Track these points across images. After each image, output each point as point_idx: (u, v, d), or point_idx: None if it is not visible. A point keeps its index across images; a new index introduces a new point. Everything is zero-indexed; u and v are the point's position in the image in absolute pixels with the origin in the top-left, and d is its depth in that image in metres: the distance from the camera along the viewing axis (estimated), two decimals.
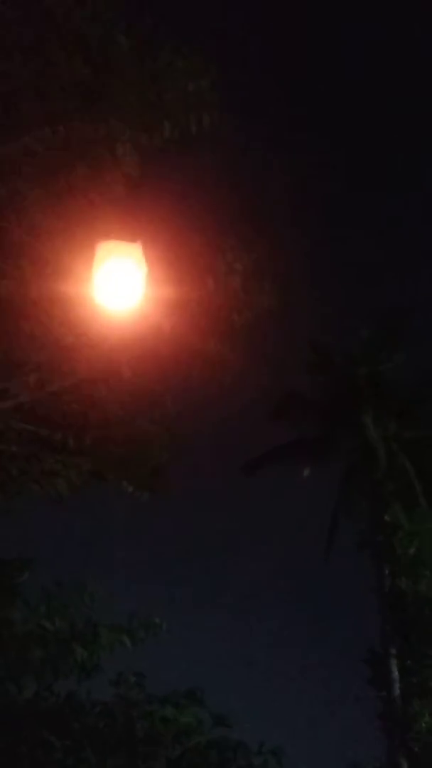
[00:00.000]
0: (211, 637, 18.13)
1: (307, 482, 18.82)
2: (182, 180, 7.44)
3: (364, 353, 19.21)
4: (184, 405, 8.11)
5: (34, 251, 6.87)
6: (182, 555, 19.74)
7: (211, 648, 18.13)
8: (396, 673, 17.03)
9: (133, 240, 5.82)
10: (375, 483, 18.20)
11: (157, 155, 7.27)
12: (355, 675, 17.32)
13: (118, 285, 5.90)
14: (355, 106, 25.01)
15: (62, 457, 7.79)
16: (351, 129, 25.27)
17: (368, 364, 19.08)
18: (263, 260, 7.55)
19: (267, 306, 7.63)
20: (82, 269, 6.15)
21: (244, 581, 19.66)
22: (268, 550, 19.17)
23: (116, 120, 6.94)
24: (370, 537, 18.06)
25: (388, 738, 16.84)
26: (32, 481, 7.86)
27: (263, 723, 14.39)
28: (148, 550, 17.80)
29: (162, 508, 8.96)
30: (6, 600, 11.10)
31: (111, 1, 6.91)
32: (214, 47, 7.46)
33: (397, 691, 16.94)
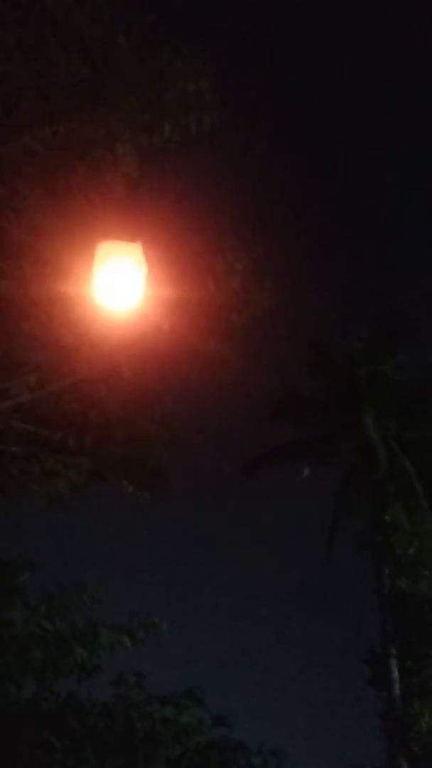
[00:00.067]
0: (211, 637, 18.15)
1: (308, 482, 18.83)
2: (182, 180, 7.44)
3: (365, 353, 19.21)
4: (184, 405, 8.12)
5: (34, 251, 6.87)
6: (182, 555, 19.75)
7: (211, 648, 18.15)
8: (396, 674, 17.03)
9: (133, 240, 5.82)
10: (375, 483, 18.20)
11: (157, 155, 7.27)
12: (355, 675, 17.33)
13: (118, 285, 5.90)
14: (355, 107, 25.02)
15: (62, 457, 7.78)
16: (352, 129, 25.27)
17: (369, 364, 19.08)
18: (263, 260, 7.55)
19: (267, 306, 7.63)
20: (82, 269, 6.15)
21: (244, 581, 19.68)
22: (268, 550, 19.17)
23: (116, 120, 6.94)
24: (371, 537, 18.06)
25: (388, 738, 16.84)
26: (32, 481, 7.86)
27: (263, 723, 14.40)
28: (148, 550, 17.81)
29: (162, 508, 8.96)
30: (6, 600, 11.10)
31: (111, 2, 6.91)
32: (213, 47, 7.46)
33: (397, 692, 16.94)
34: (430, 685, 16.83)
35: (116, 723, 11.88)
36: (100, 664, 11.44)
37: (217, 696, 12.84)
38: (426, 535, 17.30)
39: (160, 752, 11.95)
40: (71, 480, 7.84)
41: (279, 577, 19.39)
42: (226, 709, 12.67)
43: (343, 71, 24.47)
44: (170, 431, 8.14)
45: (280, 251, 7.76)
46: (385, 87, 25.12)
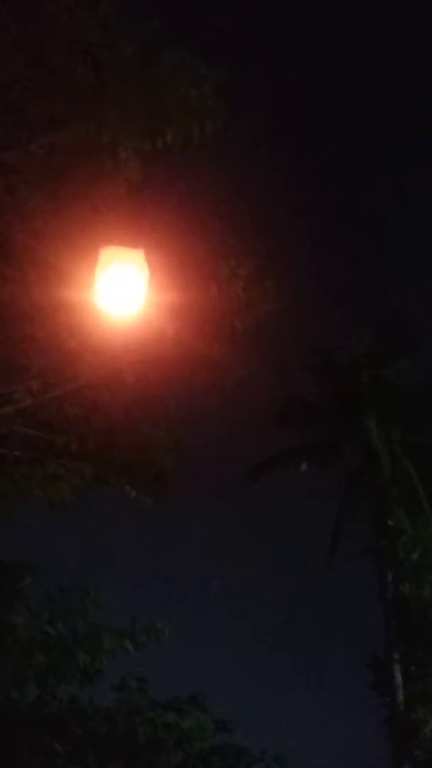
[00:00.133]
0: (213, 643, 18.12)
1: (311, 487, 18.80)
2: (184, 185, 7.44)
3: (368, 358, 19.20)
4: (187, 410, 8.11)
5: (37, 256, 6.88)
6: (185, 560, 19.73)
7: (214, 653, 18.11)
8: (399, 679, 16.96)
9: (135, 245, 5.83)
10: (379, 488, 18.17)
11: (160, 160, 7.28)
12: (359, 680, 17.28)
13: (121, 290, 5.91)
14: (358, 110, 25.04)
15: (65, 461, 7.78)
16: (355, 133, 25.30)
17: (371, 368, 19.07)
18: (266, 265, 7.56)
19: (270, 311, 7.63)
20: (85, 274, 6.15)
21: (247, 586, 19.64)
22: (272, 555, 19.15)
23: (119, 125, 6.95)
24: (374, 542, 18.02)
25: (392, 744, 16.77)
26: (35, 486, 7.85)
27: (266, 728, 14.37)
28: (150, 555, 17.79)
29: (165, 513, 8.95)
30: (8, 605, 11.10)
31: (113, 7, 6.93)
32: (216, 53, 7.47)
33: (400, 697, 16.87)
34: None
35: (118, 728, 11.87)
36: (102, 669, 11.43)
37: (219, 701, 12.83)
38: (429, 539, 17.26)
39: (163, 758, 11.93)
40: (74, 485, 7.83)
41: (282, 582, 19.38)
42: (228, 715, 12.66)
43: (343, 72, 24.52)
44: (173, 436, 8.13)
45: (283, 256, 7.77)
46: (386, 88, 25.16)
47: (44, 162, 6.94)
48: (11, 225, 6.92)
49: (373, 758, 16.43)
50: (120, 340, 6.96)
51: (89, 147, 6.91)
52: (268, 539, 19.33)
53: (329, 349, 19.46)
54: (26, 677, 11.16)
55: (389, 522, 17.79)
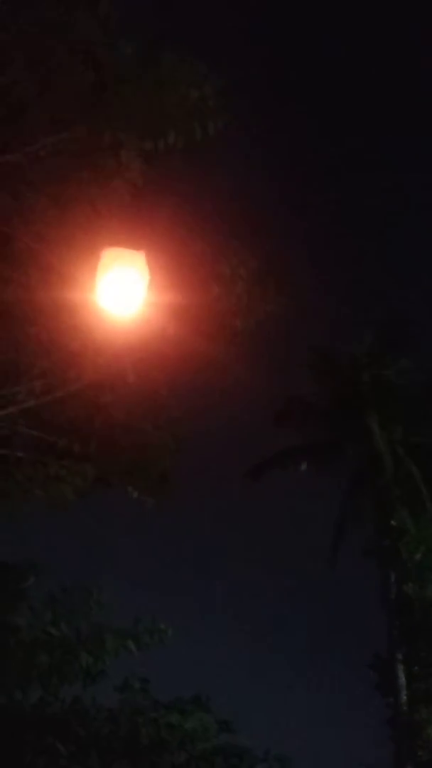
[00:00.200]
0: (216, 643, 18.11)
1: (311, 487, 18.80)
2: (186, 185, 7.46)
3: (369, 358, 19.19)
4: (189, 410, 8.12)
5: (40, 258, 6.89)
6: (188, 560, 19.73)
7: (217, 654, 18.11)
8: (403, 679, 16.95)
9: (137, 247, 5.84)
10: (381, 488, 18.16)
11: (162, 162, 7.29)
12: (362, 681, 17.27)
13: (123, 291, 5.92)
14: (357, 110, 25.05)
15: (67, 462, 7.79)
16: (355, 133, 25.31)
17: (372, 368, 19.06)
18: (267, 266, 7.56)
19: (271, 311, 7.64)
20: (87, 276, 6.17)
21: (249, 586, 19.65)
22: (274, 555, 19.14)
23: (120, 127, 6.96)
24: (377, 542, 18.01)
25: (395, 745, 16.76)
26: (37, 487, 7.86)
27: (269, 729, 14.36)
28: (152, 555, 17.80)
29: (167, 514, 8.96)
30: (11, 605, 11.10)
31: (113, 7, 6.94)
32: (216, 53, 7.49)
33: (403, 698, 16.86)
34: None
35: (121, 729, 11.86)
36: (105, 670, 11.42)
37: (222, 702, 12.82)
38: None
39: (166, 758, 11.92)
40: (76, 485, 7.84)
41: (285, 582, 19.37)
42: (231, 715, 12.65)
43: (343, 72, 24.55)
44: (175, 436, 8.14)
45: (284, 256, 7.79)
46: (385, 88, 25.18)
47: (46, 164, 6.96)
48: (13, 227, 6.94)
49: (374, 758, 16.43)
50: (122, 340, 6.97)
51: (91, 149, 6.92)
52: (269, 539, 19.33)
53: (329, 349, 19.45)
54: (29, 678, 11.16)
55: (392, 522, 17.77)
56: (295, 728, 16.22)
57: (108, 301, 6.05)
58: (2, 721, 11.24)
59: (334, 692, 18.18)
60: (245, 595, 19.84)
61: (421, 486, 17.92)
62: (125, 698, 12.15)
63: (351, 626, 18.49)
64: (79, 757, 11.59)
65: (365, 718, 17.35)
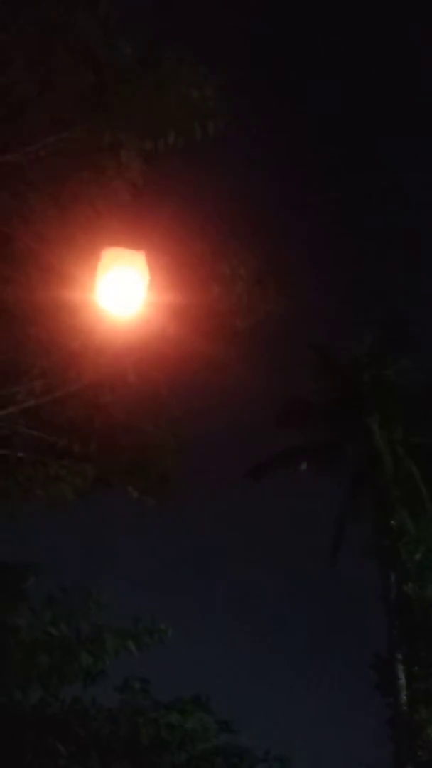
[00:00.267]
0: (216, 643, 18.11)
1: (313, 487, 18.81)
2: (186, 185, 7.46)
3: (369, 358, 19.20)
4: (189, 410, 8.12)
5: (40, 258, 6.90)
6: (188, 560, 19.74)
7: (217, 654, 18.11)
8: (403, 679, 16.95)
9: (137, 247, 5.85)
10: (381, 488, 18.16)
11: (162, 162, 7.29)
12: (362, 681, 17.28)
13: (123, 291, 5.93)
14: (357, 110, 25.06)
15: (67, 462, 7.79)
16: (355, 133, 25.31)
17: (373, 368, 19.07)
18: (267, 265, 7.57)
19: (271, 311, 7.64)
20: (87, 276, 6.17)
21: (250, 586, 19.65)
22: (274, 555, 19.15)
23: (120, 127, 6.96)
24: (377, 542, 18.01)
25: (395, 745, 16.76)
26: (37, 487, 7.86)
27: (269, 729, 14.35)
28: (152, 555, 17.80)
29: (167, 514, 8.96)
30: (11, 605, 11.09)
31: (113, 7, 6.94)
32: (216, 53, 7.49)
33: (403, 698, 16.86)
34: None
35: (121, 729, 11.85)
36: (105, 670, 11.42)
37: (222, 702, 12.81)
38: None
39: (166, 758, 11.92)
40: (76, 485, 7.84)
41: (285, 582, 19.38)
42: (231, 715, 12.65)
43: (343, 72, 24.55)
44: (175, 437, 8.14)
45: (284, 256, 7.79)
46: (385, 87, 25.20)
47: (46, 164, 6.96)
48: (13, 227, 6.94)
49: (374, 758, 16.43)
50: (122, 340, 6.98)
51: (91, 149, 6.93)
52: (269, 539, 19.34)
53: (330, 349, 19.46)
54: (30, 678, 11.15)
55: (392, 522, 17.78)
56: (295, 728, 16.22)
57: (108, 301, 6.05)
58: (2, 721, 11.24)
59: (334, 692, 18.18)
60: (245, 595, 19.85)
61: (421, 486, 17.92)
62: (125, 698, 12.13)
63: (351, 626, 18.50)
64: (79, 758, 11.58)
65: (365, 718, 17.37)
